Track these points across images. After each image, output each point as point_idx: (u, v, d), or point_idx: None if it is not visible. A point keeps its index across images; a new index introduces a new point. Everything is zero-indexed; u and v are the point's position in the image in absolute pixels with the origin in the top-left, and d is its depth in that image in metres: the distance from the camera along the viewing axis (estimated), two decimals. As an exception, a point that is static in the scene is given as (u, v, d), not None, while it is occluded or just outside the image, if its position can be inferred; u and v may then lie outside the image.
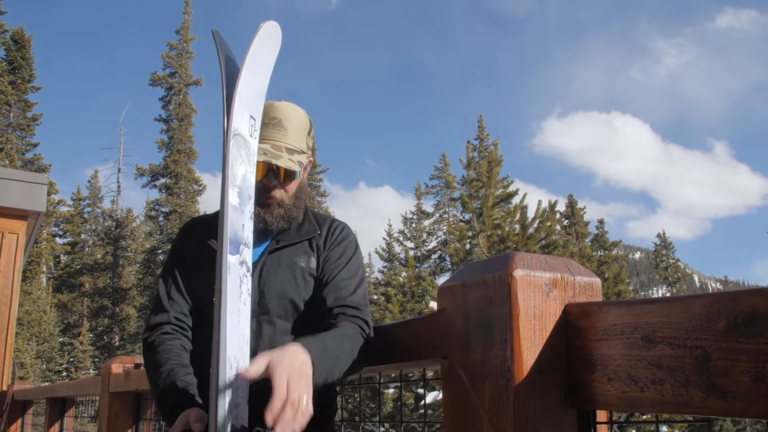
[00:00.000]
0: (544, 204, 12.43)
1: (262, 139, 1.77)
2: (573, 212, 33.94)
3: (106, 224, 32.71)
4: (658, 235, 40.98)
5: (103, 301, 30.07)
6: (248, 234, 1.51)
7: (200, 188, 28.48)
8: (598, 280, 1.20)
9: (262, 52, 1.62)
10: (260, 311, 1.76)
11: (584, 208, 34.31)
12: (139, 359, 3.32)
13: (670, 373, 0.95)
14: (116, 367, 3.32)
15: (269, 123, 1.80)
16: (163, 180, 28.01)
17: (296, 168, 1.78)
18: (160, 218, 28.09)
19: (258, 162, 1.74)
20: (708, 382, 0.91)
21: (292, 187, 1.84)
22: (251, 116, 1.57)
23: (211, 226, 1.84)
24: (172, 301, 1.83)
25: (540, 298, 1.11)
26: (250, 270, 1.50)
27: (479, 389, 1.13)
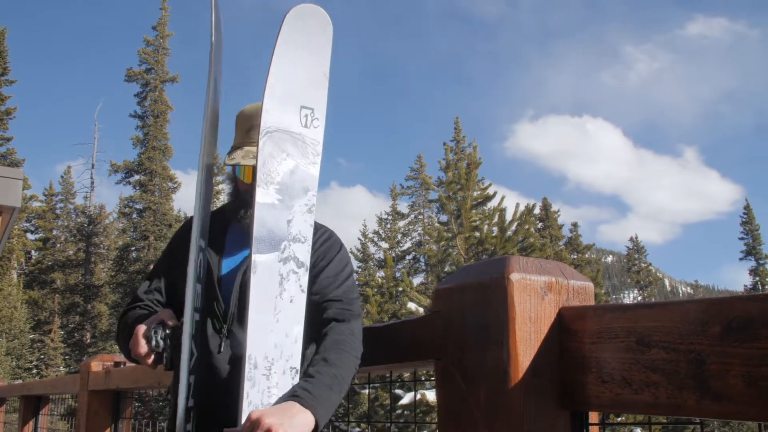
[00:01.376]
0: (522, 207, 12.53)
1: (253, 142, 1.81)
2: (547, 215, 34.16)
3: (79, 220, 32.33)
4: (631, 239, 41.42)
5: (75, 298, 29.69)
6: (298, 229, 1.48)
7: (175, 186, 28.21)
8: (590, 284, 1.22)
9: (299, 38, 1.53)
10: (240, 312, 1.77)
11: (558, 211, 34.55)
12: (119, 358, 3.30)
13: (665, 376, 0.97)
14: (96, 365, 3.29)
15: (255, 126, 1.80)
16: (137, 177, 27.70)
17: None
18: (134, 215, 27.77)
19: (244, 166, 1.80)
20: (702, 385, 0.93)
21: None
22: (303, 107, 1.51)
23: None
24: (149, 293, 1.90)
25: (535, 302, 1.13)
26: (304, 265, 1.47)
27: (475, 390, 1.14)
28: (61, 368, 27.82)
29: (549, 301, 1.15)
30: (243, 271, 1.82)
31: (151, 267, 1.98)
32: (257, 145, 1.73)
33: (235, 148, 1.88)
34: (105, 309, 28.94)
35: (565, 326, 1.13)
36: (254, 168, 1.77)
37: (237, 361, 1.74)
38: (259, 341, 1.40)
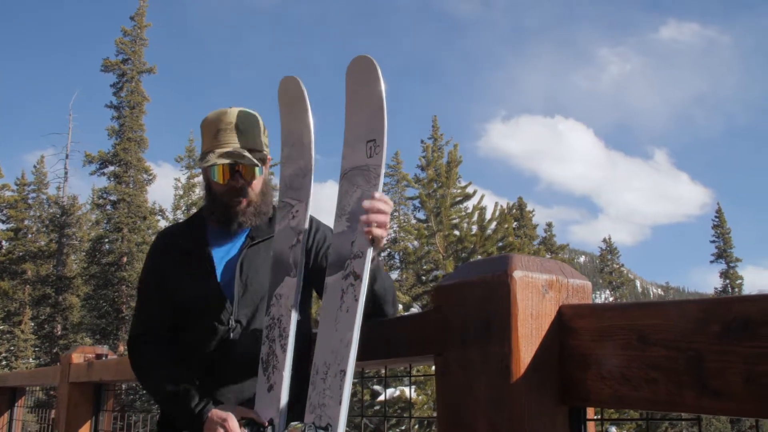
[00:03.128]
0: (494, 206, 12.60)
1: (222, 144, 1.87)
2: (522, 215, 34.36)
3: (51, 211, 31.90)
4: (604, 240, 41.75)
5: (46, 290, 29.27)
6: (358, 247, 1.59)
7: (150, 178, 27.92)
8: (589, 283, 1.25)
9: (358, 88, 1.68)
10: (244, 303, 1.87)
11: (533, 211, 34.76)
12: (101, 350, 3.30)
13: (664, 374, 1.00)
14: (77, 357, 3.28)
15: (226, 129, 1.89)
16: (112, 168, 27.38)
17: (258, 163, 1.89)
18: (108, 207, 27.46)
19: (220, 165, 1.87)
20: (701, 382, 0.96)
21: (257, 184, 1.94)
22: (368, 141, 1.65)
23: (182, 232, 2.02)
24: (149, 316, 1.96)
25: (537, 299, 1.16)
26: (359, 277, 1.55)
27: (476, 385, 1.16)
28: (31, 360, 27.48)
29: (550, 299, 1.17)
30: (240, 263, 1.89)
31: (139, 290, 2.01)
32: (220, 148, 1.86)
33: (206, 152, 1.91)
34: (77, 301, 28.60)
35: (565, 323, 1.16)
36: (231, 166, 1.87)
37: (246, 352, 1.81)
38: (323, 350, 1.53)
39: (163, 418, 1.96)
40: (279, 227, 1.80)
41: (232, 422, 1.63)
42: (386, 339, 1.54)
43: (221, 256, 1.93)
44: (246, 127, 1.91)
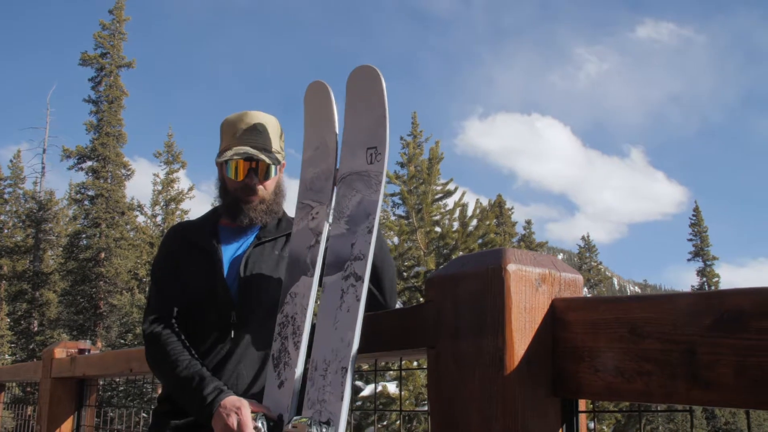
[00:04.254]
0: (473, 204, 12.64)
1: (242, 142, 1.94)
2: (502, 212, 34.52)
3: (28, 206, 31.55)
4: (583, 238, 42.07)
5: (23, 285, 28.97)
6: (359, 249, 1.62)
7: (128, 173, 27.69)
8: (580, 277, 1.26)
9: (359, 96, 1.74)
10: (248, 300, 1.90)
11: (512, 208, 34.95)
12: (84, 345, 3.27)
13: (657, 366, 1.01)
14: (59, 352, 3.25)
15: (246, 128, 1.97)
16: (90, 163, 27.11)
17: (274, 164, 1.96)
18: (86, 202, 27.18)
19: (239, 161, 1.94)
20: (693, 374, 0.97)
21: (271, 184, 2.00)
22: (368, 148, 1.70)
23: (194, 228, 2.04)
24: (164, 299, 1.96)
25: (530, 292, 1.17)
26: (361, 278, 1.58)
27: (469, 378, 1.17)
28: (7, 356, 27.18)
29: (542, 292, 1.18)
30: (245, 261, 1.93)
31: (154, 276, 2.03)
32: (240, 146, 1.93)
33: (224, 150, 1.99)
34: (54, 297, 28.31)
35: (558, 317, 1.17)
36: (247, 164, 1.94)
37: (247, 348, 1.88)
38: (321, 348, 1.56)
39: (161, 407, 1.95)
40: (297, 228, 1.81)
41: (246, 411, 1.63)
42: (378, 332, 1.54)
43: (230, 254, 1.97)
44: (264, 128, 1.99)
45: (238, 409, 1.63)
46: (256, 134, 1.97)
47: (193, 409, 1.75)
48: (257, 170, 1.95)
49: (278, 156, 1.98)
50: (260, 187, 1.97)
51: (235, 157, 1.91)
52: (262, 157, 1.92)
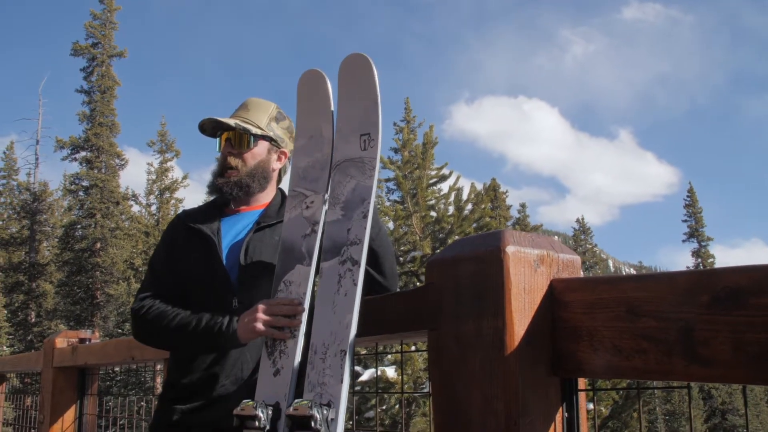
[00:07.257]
0: (467, 188, 12.65)
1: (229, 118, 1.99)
2: (496, 195, 34.55)
3: (23, 197, 31.45)
4: (577, 221, 42.17)
5: (19, 277, 28.95)
6: (355, 234, 1.64)
7: (122, 162, 27.60)
8: (578, 258, 1.28)
9: (351, 85, 1.76)
10: (247, 285, 1.90)
11: (507, 192, 34.97)
12: (84, 334, 3.28)
13: (655, 344, 1.03)
14: (60, 342, 3.26)
15: (237, 108, 2.03)
16: (83, 153, 26.99)
17: (246, 133, 1.97)
18: (80, 192, 27.10)
19: (221, 136, 2.00)
20: (690, 351, 0.99)
21: (248, 157, 1.98)
22: (361, 134, 1.72)
23: (196, 214, 2.03)
24: (157, 283, 1.97)
25: (529, 273, 1.18)
26: (357, 262, 1.59)
27: (470, 358, 1.19)
28: (5, 348, 27.19)
29: (541, 273, 1.20)
30: (245, 246, 1.93)
31: (150, 263, 2.05)
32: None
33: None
34: (50, 287, 28.30)
35: (557, 297, 1.18)
36: (228, 135, 1.98)
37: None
38: (320, 331, 1.57)
39: (167, 393, 1.95)
40: (289, 215, 1.81)
41: (261, 305, 1.67)
42: (379, 315, 1.56)
43: (229, 239, 1.97)
44: (254, 106, 2.02)
45: (255, 309, 1.67)
46: (242, 109, 2.02)
47: (210, 339, 1.76)
48: (234, 141, 1.97)
49: (258, 130, 1.98)
50: (236, 159, 1.97)
51: (207, 124, 1.97)
52: (229, 122, 1.95)
